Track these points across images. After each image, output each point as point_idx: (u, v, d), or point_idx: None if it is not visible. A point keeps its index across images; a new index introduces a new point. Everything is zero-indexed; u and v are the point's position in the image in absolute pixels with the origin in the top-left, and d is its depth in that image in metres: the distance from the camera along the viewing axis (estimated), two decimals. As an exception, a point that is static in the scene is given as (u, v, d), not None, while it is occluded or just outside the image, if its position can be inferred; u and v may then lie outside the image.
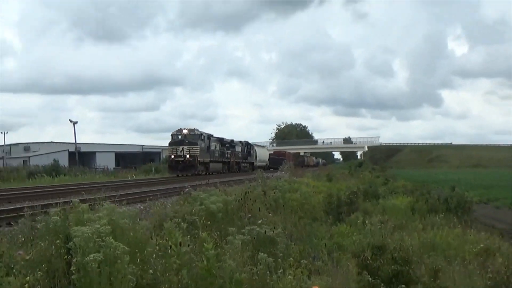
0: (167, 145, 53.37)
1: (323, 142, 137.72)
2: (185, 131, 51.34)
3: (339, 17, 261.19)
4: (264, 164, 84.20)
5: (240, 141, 73.59)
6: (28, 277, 5.43)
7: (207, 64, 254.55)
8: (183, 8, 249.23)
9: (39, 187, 32.23)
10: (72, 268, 5.46)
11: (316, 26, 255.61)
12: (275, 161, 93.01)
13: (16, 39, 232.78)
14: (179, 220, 8.64)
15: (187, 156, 48.49)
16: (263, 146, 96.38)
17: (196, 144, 49.74)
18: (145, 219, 10.12)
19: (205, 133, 55.01)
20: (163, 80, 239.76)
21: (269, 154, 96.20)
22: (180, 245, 6.55)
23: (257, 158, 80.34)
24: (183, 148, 49.18)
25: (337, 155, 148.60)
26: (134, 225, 7.30)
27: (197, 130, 53.07)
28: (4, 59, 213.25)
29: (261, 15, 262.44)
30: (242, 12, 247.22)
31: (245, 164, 73.08)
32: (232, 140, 67.66)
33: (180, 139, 50.82)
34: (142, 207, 15.73)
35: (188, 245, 6.66)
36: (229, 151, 64.19)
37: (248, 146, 76.97)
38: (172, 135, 52.95)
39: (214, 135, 59.46)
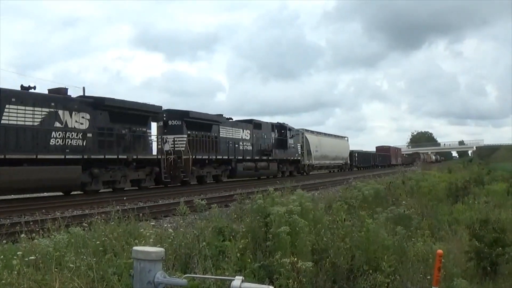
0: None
1: (444, 144, 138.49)
2: None
3: (443, 54, 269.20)
4: (342, 162, 48.43)
5: (250, 120, 30.17)
6: (240, 242, 5.81)
7: (356, 90, 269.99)
8: (334, 53, 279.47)
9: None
10: (268, 236, 5.79)
11: (429, 61, 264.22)
12: (368, 158, 59.44)
13: (225, 80, 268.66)
14: (343, 202, 8.72)
15: None
16: (343, 137, 54.25)
17: None
18: (320, 202, 10.36)
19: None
20: (326, 103, 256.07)
21: (353, 150, 54.55)
22: (344, 220, 6.62)
23: (313, 154, 39.10)
24: None
25: (454, 154, 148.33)
26: (315, 206, 7.54)
27: None
28: (218, 94, 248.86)
29: (389, 54, 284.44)
30: (375, 54, 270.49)
31: (264, 163, 29.60)
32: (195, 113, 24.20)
33: None
34: (316, 194, 16.07)
35: (350, 220, 6.71)
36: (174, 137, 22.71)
37: (282, 132, 32.89)
38: None
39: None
